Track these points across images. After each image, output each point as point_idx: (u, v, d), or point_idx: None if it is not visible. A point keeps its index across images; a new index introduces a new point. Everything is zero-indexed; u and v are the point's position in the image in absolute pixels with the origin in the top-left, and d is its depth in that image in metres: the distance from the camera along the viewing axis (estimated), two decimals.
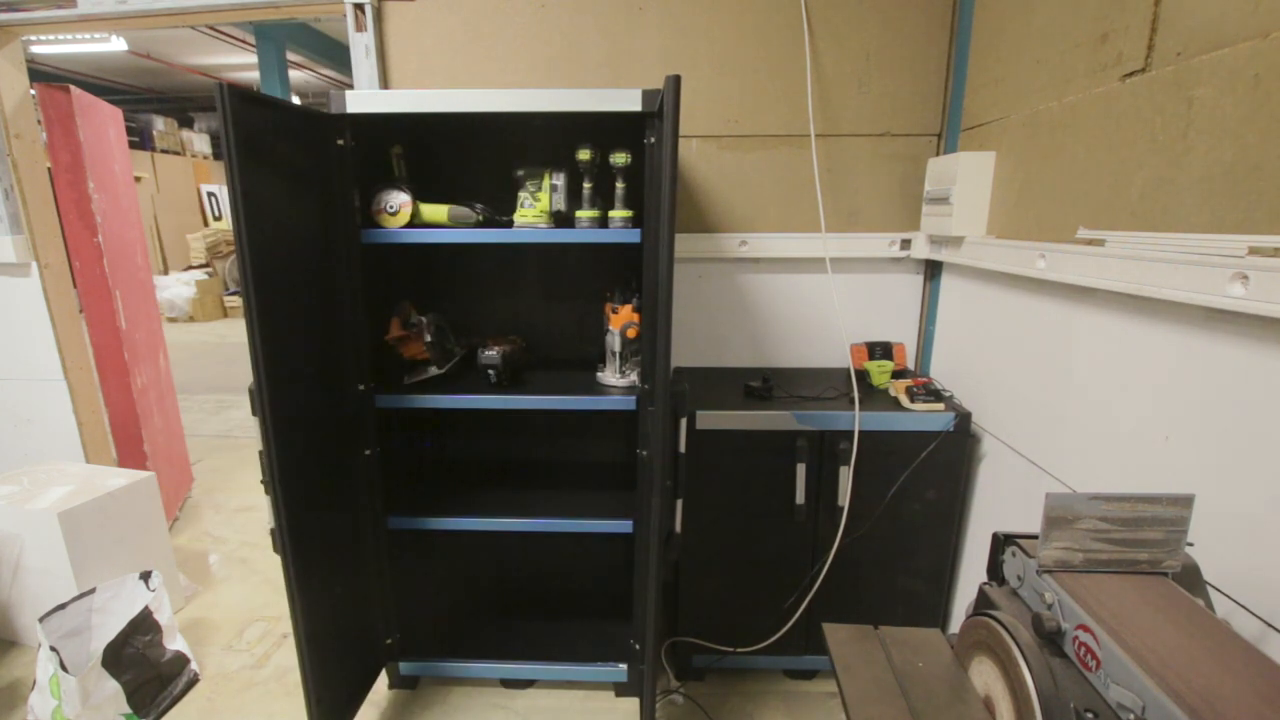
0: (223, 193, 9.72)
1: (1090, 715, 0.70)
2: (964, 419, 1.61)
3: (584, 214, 1.53)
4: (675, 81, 1.16)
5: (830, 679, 1.66)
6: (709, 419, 1.63)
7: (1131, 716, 0.66)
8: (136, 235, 2.74)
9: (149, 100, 10.00)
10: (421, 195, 1.58)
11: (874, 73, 1.82)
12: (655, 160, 1.40)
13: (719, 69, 1.84)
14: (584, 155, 1.50)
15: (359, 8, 1.82)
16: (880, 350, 1.88)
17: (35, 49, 6.35)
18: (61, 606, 1.73)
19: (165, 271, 8.53)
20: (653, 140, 1.41)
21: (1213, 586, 0.93)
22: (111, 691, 1.63)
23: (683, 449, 1.54)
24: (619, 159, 1.50)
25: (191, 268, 8.72)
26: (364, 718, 1.73)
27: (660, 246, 1.27)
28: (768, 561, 1.74)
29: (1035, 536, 0.87)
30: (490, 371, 1.62)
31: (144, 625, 1.76)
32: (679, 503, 1.56)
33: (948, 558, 1.73)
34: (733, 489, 1.69)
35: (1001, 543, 0.96)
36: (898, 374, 1.84)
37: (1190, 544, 0.83)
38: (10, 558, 1.92)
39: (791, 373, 1.97)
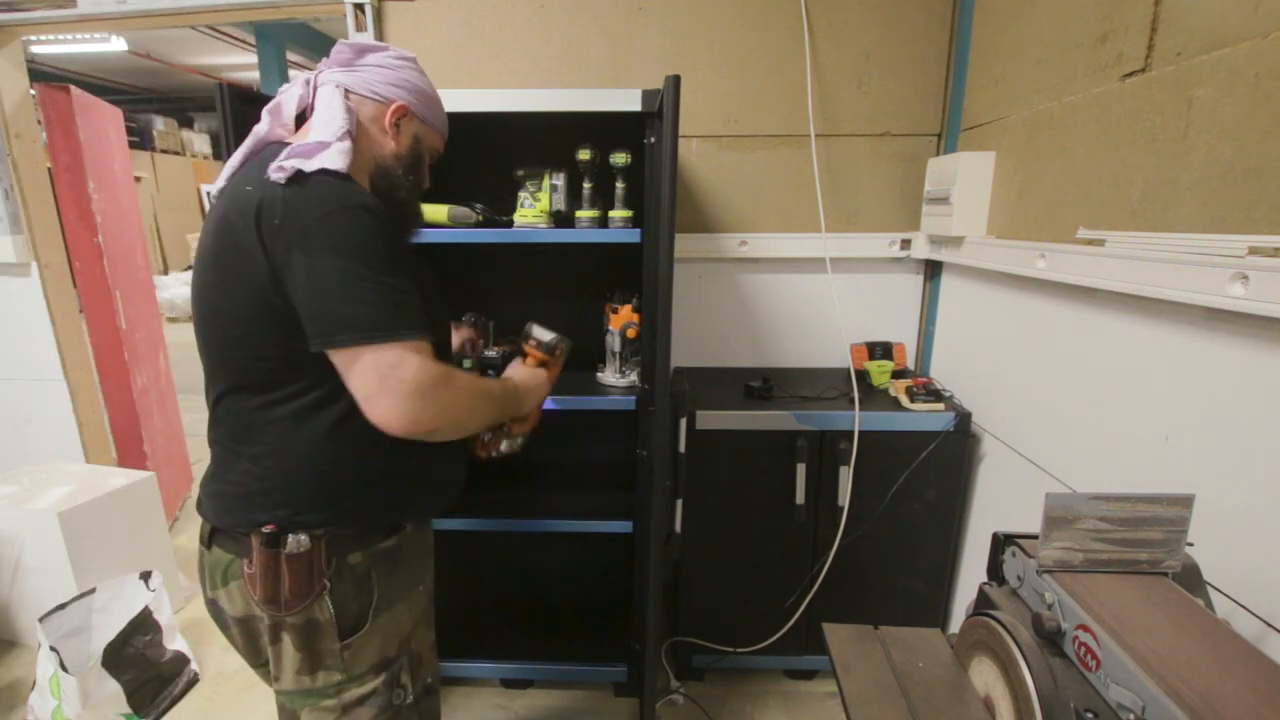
0: None
1: (1090, 715, 0.70)
2: (964, 419, 1.61)
3: (584, 214, 1.53)
4: (675, 81, 1.16)
5: (830, 679, 1.66)
6: (709, 419, 1.63)
7: (1131, 716, 0.66)
8: (136, 235, 2.74)
9: (149, 100, 9.99)
10: (421, 195, 1.58)
11: (874, 72, 1.82)
12: (655, 160, 1.40)
13: (719, 69, 1.84)
14: (584, 155, 1.50)
15: (359, 8, 1.82)
16: (880, 350, 1.88)
17: (35, 49, 6.35)
18: (61, 606, 1.73)
19: (165, 271, 8.52)
20: (653, 140, 1.41)
21: (1213, 586, 0.93)
22: (111, 691, 1.63)
23: (683, 449, 1.54)
24: (619, 159, 1.49)
25: (191, 267, 8.71)
26: None
27: (660, 246, 1.27)
28: (768, 561, 1.74)
29: (1035, 536, 0.87)
30: (490, 371, 1.62)
31: (144, 625, 1.76)
32: (679, 503, 1.56)
33: (948, 558, 1.73)
34: (733, 489, 1.69)
35: (1001, 543, 0.96)
36: (898, 374, 1.84)
37: (1190, 544, 0.83)
38: (10, 558, 1.92)
39: (791, 373, 1.97)
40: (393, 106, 0.97)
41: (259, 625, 0.94)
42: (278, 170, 0.82)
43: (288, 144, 0.91)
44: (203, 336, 0.90)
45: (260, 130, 0.94)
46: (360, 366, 0.81)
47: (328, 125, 0.88)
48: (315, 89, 0.95)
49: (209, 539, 0.94)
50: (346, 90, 0.93)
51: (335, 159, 0.84)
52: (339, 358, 0.82)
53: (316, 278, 0.79)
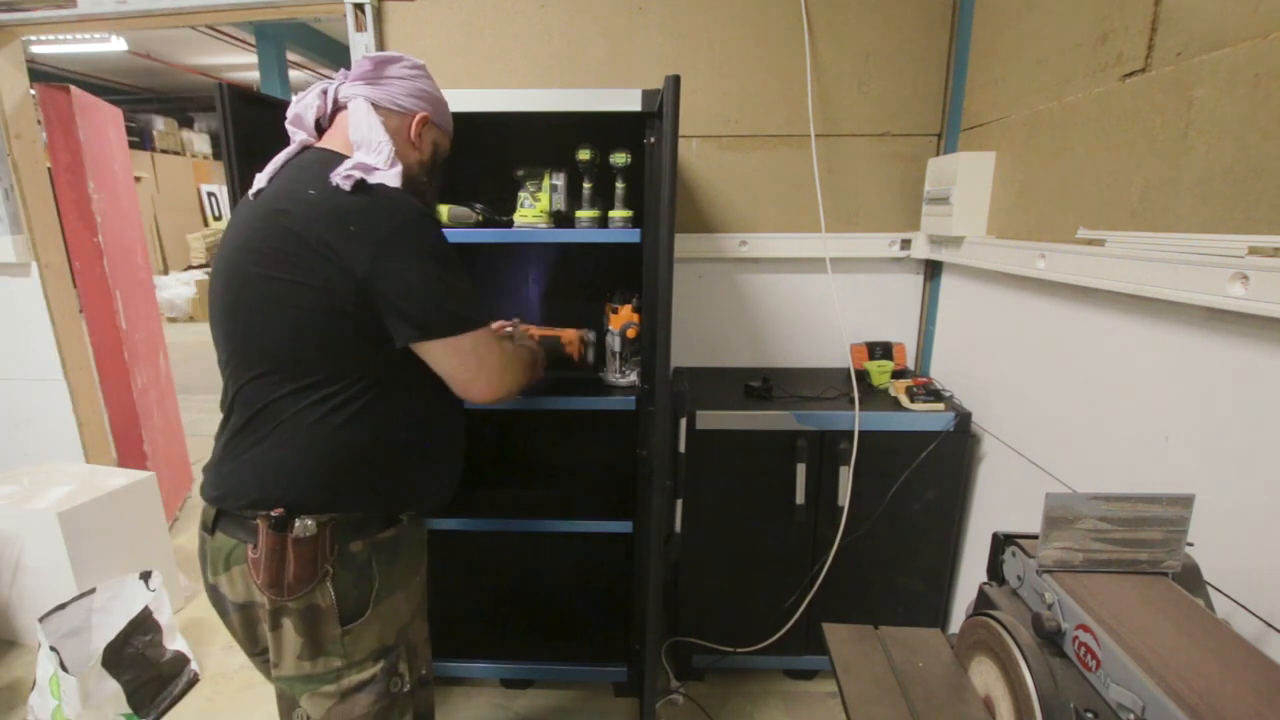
0: (223, 193, 9.70)
1: (1090, 715, 0.70)
2: (964, 419, 1.61)
3: (584, 214, 1.53)
4: (675, 81, 1.16)
5: (830, 679, 1.66)
6: (709, 419, 1.63)
7: (1131, 716, 0.66)
8: (136, 235, 2.74)
9: (149, 100, 10.00)
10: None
11: (874, 72, 1.82)
12: (655, 160, 1.40)
13: (719, 69, 1.84)
14: (584, 155, 1.50)
15: (359, 8, 1.82)
16: (880, 350, 1.88)
17: (35, 49, 6.35)
18: (61, 606, 1.73)
19: (165, 271, 8.52)
20: (653, 140, 1.41)
21: (1213, 586, 0.93)
22: (111, 691, 1.63)
23: (683, 449, 1.54)
24: (619, 159, 1.49)
25: (191, 268, 8.72)
26: None
27: (660, 246, 1.27)
28: (768, 561, 1.74)
29: (1035, 536, 0.87)
30: None
31: (144, 625, 1.76)
32: (679, 503, 1.56)
33: (948, 558, 1.73)
34: (733, 489, 1.69)
35: (1001, 543, 0.96)
36: (898, 374, 1.84)
37: (1190, 544, 0.83)
38: (10, 558, 1.92)
39: (791, 373, 1.97)
40: (416, 118, 1.03)
41: (259, 611, 0.95)
42: (345, 178, 0.88)
43: (323, 149, 0.97)
44: (239, 323, 0.92)
45: (298, 138, 1.00)
46: (462, 353, 0.94)
47: (378, 152, 0.94)
48: (335, 99, 1.01)
49: (212, 524, 0.96)
50: (373, 104, 0.99)
51: (393, 180, 0.93)
52: (441, 347, 0.93)
53: (413, 281, 0.88)
